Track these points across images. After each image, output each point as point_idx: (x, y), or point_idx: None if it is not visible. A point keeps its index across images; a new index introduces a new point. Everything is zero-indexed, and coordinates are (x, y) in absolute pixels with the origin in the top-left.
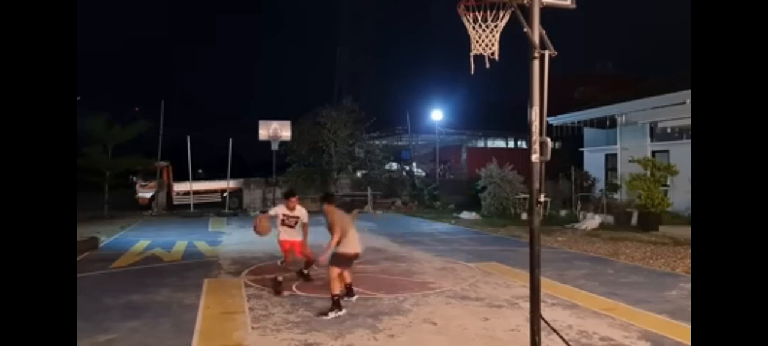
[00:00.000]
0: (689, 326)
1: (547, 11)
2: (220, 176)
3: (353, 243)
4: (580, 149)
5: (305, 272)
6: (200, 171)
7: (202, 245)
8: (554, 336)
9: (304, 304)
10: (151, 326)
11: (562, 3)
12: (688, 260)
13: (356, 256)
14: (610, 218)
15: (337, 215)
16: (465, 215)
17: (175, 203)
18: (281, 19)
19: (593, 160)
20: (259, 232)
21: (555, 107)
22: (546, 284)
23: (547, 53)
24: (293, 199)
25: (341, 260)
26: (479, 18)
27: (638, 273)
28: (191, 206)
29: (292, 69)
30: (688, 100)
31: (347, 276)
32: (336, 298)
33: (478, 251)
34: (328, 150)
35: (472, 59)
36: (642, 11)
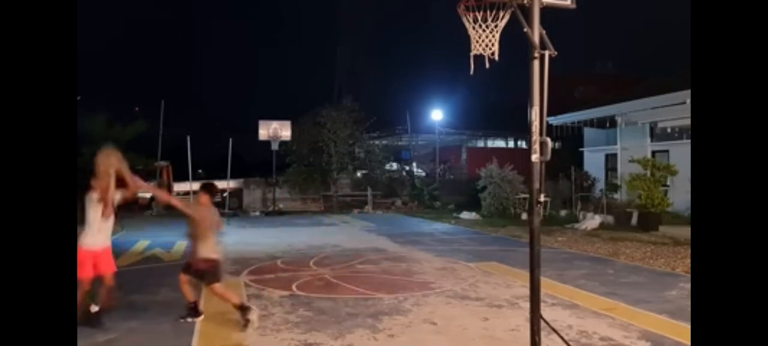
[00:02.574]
0: (689, 326)
1: (547, 11)
2: (220, 176)
3: (210, 248)
4: (580, 149)
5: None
6: (200, 171)
7: None
8: (554, 336)
9: (304, 304)
10: (151, 326)
11: (562, 3)
12: (688, 260)
13: (211, 263)
14: (610, 218)
15: (207, 211)
16: (465, 215)
17: None
18: (281, 19)
19: (593, 160)
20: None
21: (555, 107)
22: (546, 284)
23: (547, 53)
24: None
25: (190, 269)
26: (479, 18)
27: (638, 273)
28: None
29: (292, 69)
30: (688, 100)
31: (192, 291)
32: (191, 304)
33: (478, 251)
34: (328, 150)
35: (472, 59)
36: (642, 11)
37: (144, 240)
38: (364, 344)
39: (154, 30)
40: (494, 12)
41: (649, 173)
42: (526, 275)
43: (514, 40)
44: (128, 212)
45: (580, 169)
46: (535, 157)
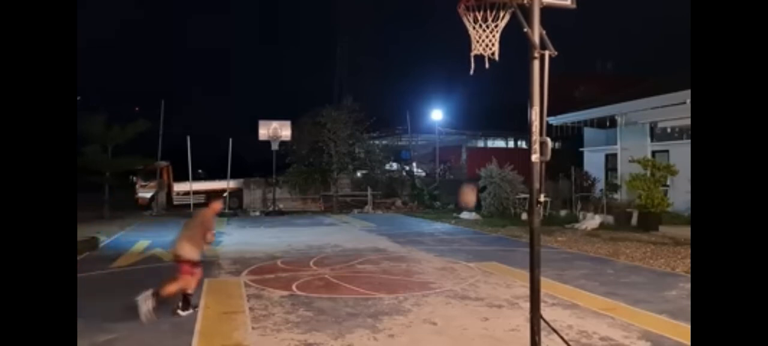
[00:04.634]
0: (689, 326)
1: (547, 11)
2: (220, 176)
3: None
4: (580, 149)
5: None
6: (200, 171)
7: None
8: (554, 336)
9: (304, 304)
10: (151, 326)
11: (562, 3)
12: (688, 260)
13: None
14: (610, 218)
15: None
16: (465, 215)
17: (175, 203)
18: (281, 19)
19: (593, 160)
20: None
21: (555, 107)
22: (546, 284)
23: (547, 53)
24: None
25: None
26: (479, 18)
27: (638, 273)
28: (191, 205)
29: (292, 68)
30: (688, 100)
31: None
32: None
33: (478, 251)
34: (328, 150)
35: (472, 59)
36: (642, 11)
37: (144, 240)
38: (364, 344)
39: (154, 30)
40: (494, 12)
41: (649, 173)
42: (526, 275)
43: (514, 40)
44: (128, 211)
45: (580, 169)
46: (535, 157)
